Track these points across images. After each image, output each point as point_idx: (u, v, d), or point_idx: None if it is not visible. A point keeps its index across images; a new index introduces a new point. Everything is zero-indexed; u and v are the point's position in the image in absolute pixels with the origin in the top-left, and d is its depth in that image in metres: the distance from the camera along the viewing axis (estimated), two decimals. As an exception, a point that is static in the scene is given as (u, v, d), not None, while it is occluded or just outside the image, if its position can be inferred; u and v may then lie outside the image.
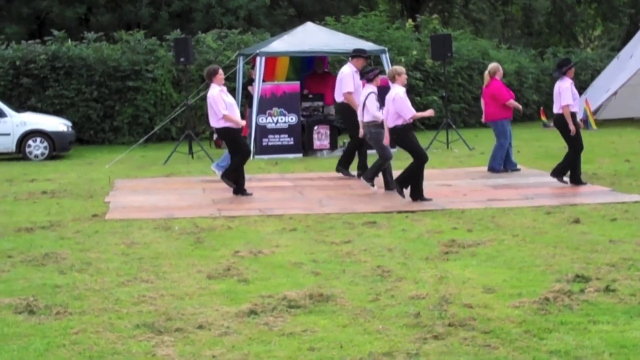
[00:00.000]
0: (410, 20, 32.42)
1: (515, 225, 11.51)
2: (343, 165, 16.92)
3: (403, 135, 13.82)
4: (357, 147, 16.57)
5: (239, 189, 14.62)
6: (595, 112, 28.75)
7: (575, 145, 15.06)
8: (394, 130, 13.85)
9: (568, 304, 7.61)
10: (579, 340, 6.69)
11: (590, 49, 43.79)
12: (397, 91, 13.70)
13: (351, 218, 12.36)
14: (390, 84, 14.22)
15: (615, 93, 29.05)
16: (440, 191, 14.74)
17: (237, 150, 14.71)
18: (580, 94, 30.69)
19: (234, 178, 14.61)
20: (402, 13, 41.11)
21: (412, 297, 7.97)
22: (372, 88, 14.64)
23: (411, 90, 28.19)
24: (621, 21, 41.18)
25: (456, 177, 16.67)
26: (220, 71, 14.88)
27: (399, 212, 12.80)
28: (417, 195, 13.61)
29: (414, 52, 29.08)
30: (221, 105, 14.37)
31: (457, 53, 28.33)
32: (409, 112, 13.62)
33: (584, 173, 16.47)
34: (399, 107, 13.57)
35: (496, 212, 12.60)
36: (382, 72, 14.68)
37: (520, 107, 17.35)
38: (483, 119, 17.66)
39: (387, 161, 14.70)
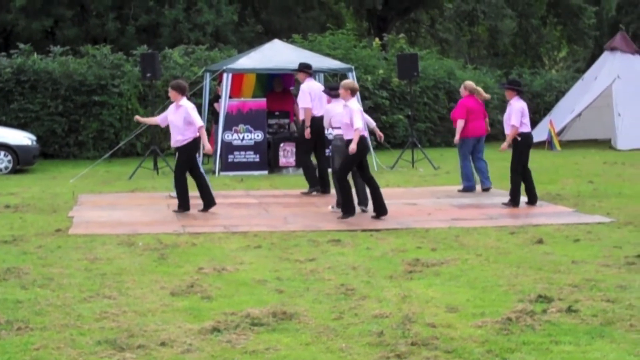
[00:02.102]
0: (377, 40, 32.53)
1: (479, 245, 11.56)
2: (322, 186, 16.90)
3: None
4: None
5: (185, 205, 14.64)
6: (559, 133, 29.00)
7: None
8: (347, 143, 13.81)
9: (530, 324, 7.65)
10: (540, 361, 6.72)
11: (555, 70, 44.14)
12: (355, 105, 13.82)
13: (316, 236, 12.36)
14: (347, 98, 14.11)
15: (579, 114, 29.32)
16: (404, 210, 14.78)
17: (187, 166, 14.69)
18: (545, 115, 31.24)
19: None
20: (369, 32, 41.25)
21: (375, 316, 7.98)
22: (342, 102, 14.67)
23: (377, 109, 28.34)
24: (586, 44, 41.55)
25: (421, 196, 16.72)
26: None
27: (364, 230, 12.82)
28: (348, 211, 13.77)
29: (381, 71, 29.20)
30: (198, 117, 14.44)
31: (424, 72, 28.48)
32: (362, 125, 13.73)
33: (548, 194, 16.60)
34: (357, 119, 13.61)
35: (460, 231, 12.66)
36: None
37: (456, 139, 17.21)
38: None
39: None
